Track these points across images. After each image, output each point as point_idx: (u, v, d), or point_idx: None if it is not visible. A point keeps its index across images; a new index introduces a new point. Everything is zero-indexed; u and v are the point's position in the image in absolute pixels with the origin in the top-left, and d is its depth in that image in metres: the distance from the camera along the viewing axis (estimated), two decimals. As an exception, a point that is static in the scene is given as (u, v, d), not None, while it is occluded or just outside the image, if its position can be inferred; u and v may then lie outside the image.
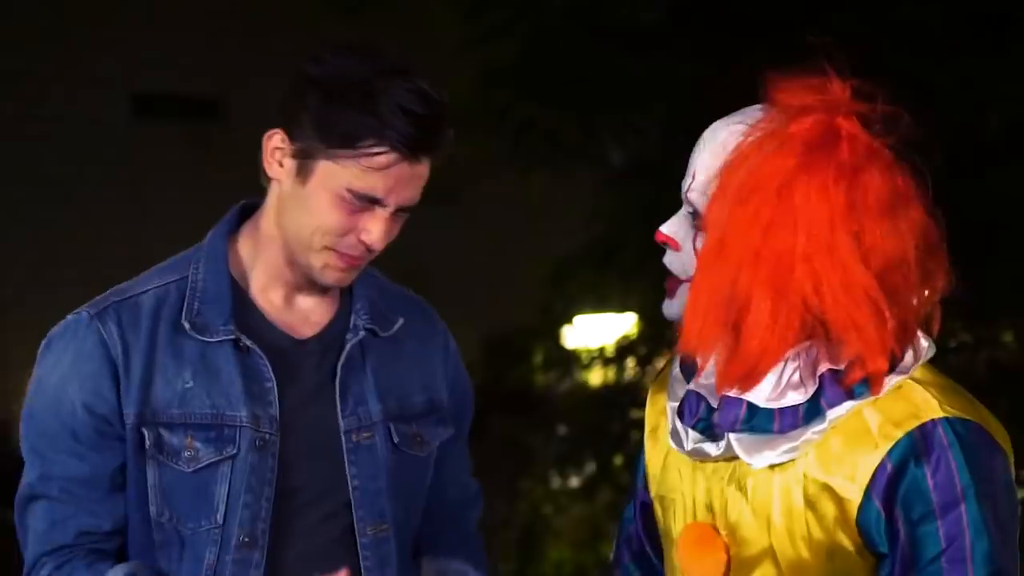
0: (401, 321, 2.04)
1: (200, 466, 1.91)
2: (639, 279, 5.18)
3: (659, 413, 1.89)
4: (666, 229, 1.78)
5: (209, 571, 1.91)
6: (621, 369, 5.61)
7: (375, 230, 1.87)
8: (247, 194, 2.03)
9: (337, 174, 1.85)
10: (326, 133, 1.85)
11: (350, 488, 1.96)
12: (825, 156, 1.64)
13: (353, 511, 1.96)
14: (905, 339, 1.68)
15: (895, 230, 1.65)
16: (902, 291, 1.66)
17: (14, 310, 10.68)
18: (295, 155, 1.88)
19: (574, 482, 5.96)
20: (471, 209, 11.77)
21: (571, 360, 6.01)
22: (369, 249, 1.90)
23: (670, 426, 1.80)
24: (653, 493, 1.90)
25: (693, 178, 1.75)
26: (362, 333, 1.99)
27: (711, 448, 1.74)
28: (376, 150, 1.83)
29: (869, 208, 1.64)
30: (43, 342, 1.97)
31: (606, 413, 5.64)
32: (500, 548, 6.29)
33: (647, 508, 1.95)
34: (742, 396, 1.70)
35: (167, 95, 11.56)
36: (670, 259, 1.79)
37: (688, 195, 1.76)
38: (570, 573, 6.55)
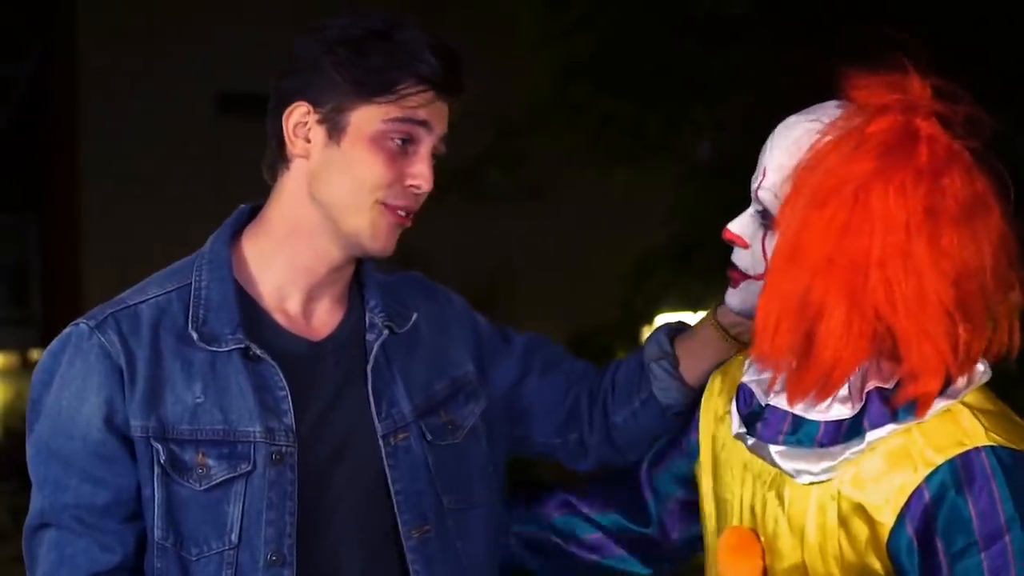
0: (415, 315, 1.99)
1: (212, 484, 1.80)
2: (720, 276, 5.12)
3: (714, 416, 1.87)
4: (734, 227, 1.75)
5: None
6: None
7: (420, 170, 1.84)
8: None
9: (374, 114, 1.82)
10: (361, 83, 1.81)
11: (392, 492, 1.88)
12: (903, 159, 1.58)
13: (397, 515, 1.88)
14: (967, 362, 1.61)
15: (973, 236, 1.58)
16: (977, 302, 1.59)
17: (101, 306, 10.81)
18: (323, 120, 1.85)
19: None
20: (553, 205, 11.77)
21: (652, 357, 5.96)
22: (416, 196, 1.86)
23: (731, 408, 1.79)
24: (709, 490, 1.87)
25: (764, 176, 1.70)
26: (385, 332, 1.93)
27: (747, 439, 1.72)
28: (415, 89, 1.81)
29: (947, 213, 1.57)
30: (39, 363, 1.84)
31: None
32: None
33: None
34: (788, 408, 1.67)
35: (252, 93, 11.65)
36: (738, 256, 1.76)
37: (758, 193, 1.71)
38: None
